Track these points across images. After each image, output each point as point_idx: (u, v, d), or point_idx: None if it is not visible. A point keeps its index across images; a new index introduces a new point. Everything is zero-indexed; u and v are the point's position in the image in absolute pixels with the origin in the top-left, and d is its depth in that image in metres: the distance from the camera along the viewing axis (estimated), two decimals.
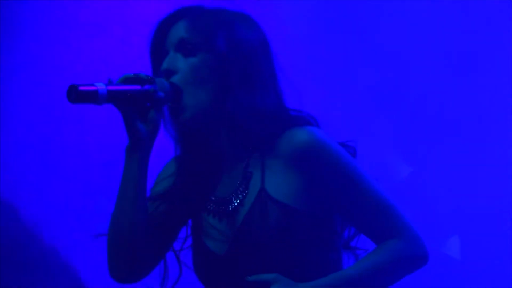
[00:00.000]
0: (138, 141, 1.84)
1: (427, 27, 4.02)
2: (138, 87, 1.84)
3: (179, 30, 1.90)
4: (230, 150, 1.90)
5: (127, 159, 1.86)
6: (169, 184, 1.95)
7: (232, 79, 1.86)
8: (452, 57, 4.02)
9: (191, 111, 1.87)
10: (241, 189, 1.89)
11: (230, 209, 1.89)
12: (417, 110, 4.01)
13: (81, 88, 1.78)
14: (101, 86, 1.80)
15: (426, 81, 4.09)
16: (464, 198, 3.86)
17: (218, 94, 1.87)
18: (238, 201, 1.88)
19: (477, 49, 4.00)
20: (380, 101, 4.06)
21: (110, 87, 1.81)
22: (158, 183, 1.98)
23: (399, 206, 1.87)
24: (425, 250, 1.85)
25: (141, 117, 1.84)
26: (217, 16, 1.92)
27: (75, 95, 1.78)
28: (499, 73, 3.96)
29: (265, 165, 1.87)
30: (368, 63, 4.15)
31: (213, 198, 1.92)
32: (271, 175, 1.86)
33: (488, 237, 3.80)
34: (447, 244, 3.82)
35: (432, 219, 3.87)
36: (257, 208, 1.84)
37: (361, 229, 1.88)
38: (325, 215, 1.86)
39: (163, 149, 2.01)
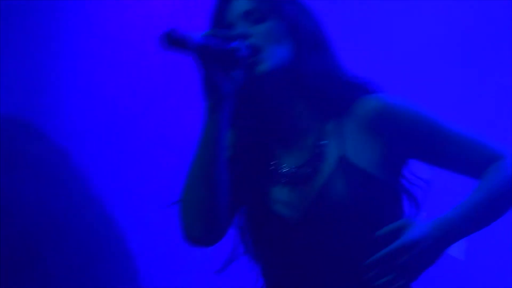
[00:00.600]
0: (220, 99, 1.76)
1: (426, 27, 4.05)
2: (224, 43, 1.77)
3: (243, 3, 1.88)
4: (301, 118, 1.87)
5: (208, 119, 1.76)
6: (230, 154, 1.88)
7: (304, 43, 1.85)
8: (451, 57, 4.04)
9: (269, 64, 1.82)
10: (317, 157, 1.85)
11: (304, 177, 1.84)
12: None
13: (177, 32, 1.71)
14: (196, 35, 1.74)
15: (424, 81, 4.11)
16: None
17: (293, 56, 1.85)
18: (313, 169, 1.84)
19: (477, 49, 4.03)
20: None
21: (203, 38, 1.74)
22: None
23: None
24: None
25: (224, 74, 1.76)
26: None
27: (170, 37, 1.71)
28: (500, 73, 4.00)
29: (343, 132, 1.84)
30: (367, 62, 4.17)
31: (283, 168, 1.87)
32: (350, 142, 1.84)
33: (491, 237, 3.78)
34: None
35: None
36: (337, 175, 1.81)
37: (461, 170, 1.85)
38: (397, 186, 1.85)
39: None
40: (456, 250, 3.77)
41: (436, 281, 3.71)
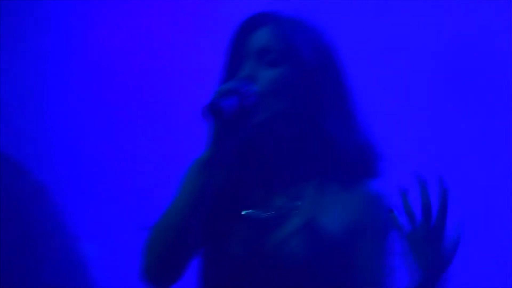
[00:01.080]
0: (221, 153, 1.74)
1: (424, 28, 4.05)
2: (237, 103, 1.71)
3: (262, 38, 1.79)
4: (288, 171, 1.82)
5: (198, 171, 1.75)
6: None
7: (318, 101, 1.77)
8: (448, 59, 4.03)
9: (265, 115, 1.75)
10: (288, 210, 1.80)
11: (271, 226, 1.80)
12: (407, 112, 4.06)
13: (218, 105, 1.67)
14: (225, 104, 1.69)
15: (422, 83, 4.10)
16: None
17: (299, 111, 1.77)
18: (281, 220, 1.80)
19: (476, 50, 4.01)
20: (378, 102, 4.08)
21: (228, 105, 1.69)
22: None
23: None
24: None
25: (231, 132, 1.73)
26: (302, 28, 1.82)
27: (213, 109, 1.68)
28: (499, 74, 3.97)
29: (325, 196, 1.80)
30: (366, 62, 4.15)
31: (254, 211, 1.81)
32: (327, 209, 1.79)
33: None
34: None
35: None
36: (300, 234, 1.77)
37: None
38: (355, 251, 1.80)
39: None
40: None
41: None
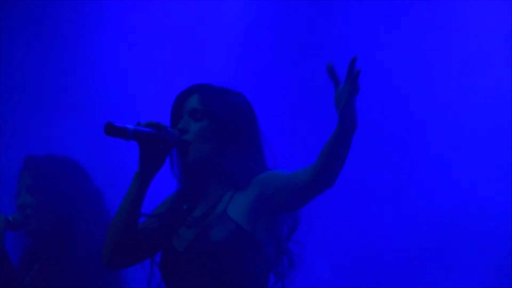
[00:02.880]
0: (146, 171, 2.48)
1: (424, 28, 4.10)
2: (156, 131, 2.42)
3: (193, 102, 2.57)
4: (213, 188, 2.57)
5: (133, 181, 2.50)
6: (164, 209, 2.62)
7: (227, 140, 2.54)
8: (445, 60, 4.09)
9: (194, 156, 2.53)
10: (210, 210, 2.53)
11: (197, 221, 2.54)
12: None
13: (116, 124, 2.32)
14: (130, 126, 2.36)
15: (422, 84, 4.14)
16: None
17: (216, 150, 2.54)
18: (203, 217, 2.54)
19: (474, 51, 4.06)
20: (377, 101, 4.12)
21: (137, 128, 2.39)
22: (159, 207, 2.64)
23: None
24: None
25: (153, 154, 2.46)
26: (221, 94, 2.58)
27: (110, 129, 2.31)
28: (498, 76, 4.02)
29: (233, 197, 2.52)
30: (366, 62, 4.16)
31: (191, 216, 2.57)
32: (234, 204, 2.51)
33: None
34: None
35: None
36: (215, 221, 2.49)
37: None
38: (262, 240, 2.49)
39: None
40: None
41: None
